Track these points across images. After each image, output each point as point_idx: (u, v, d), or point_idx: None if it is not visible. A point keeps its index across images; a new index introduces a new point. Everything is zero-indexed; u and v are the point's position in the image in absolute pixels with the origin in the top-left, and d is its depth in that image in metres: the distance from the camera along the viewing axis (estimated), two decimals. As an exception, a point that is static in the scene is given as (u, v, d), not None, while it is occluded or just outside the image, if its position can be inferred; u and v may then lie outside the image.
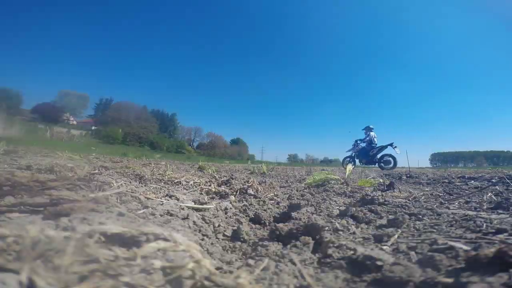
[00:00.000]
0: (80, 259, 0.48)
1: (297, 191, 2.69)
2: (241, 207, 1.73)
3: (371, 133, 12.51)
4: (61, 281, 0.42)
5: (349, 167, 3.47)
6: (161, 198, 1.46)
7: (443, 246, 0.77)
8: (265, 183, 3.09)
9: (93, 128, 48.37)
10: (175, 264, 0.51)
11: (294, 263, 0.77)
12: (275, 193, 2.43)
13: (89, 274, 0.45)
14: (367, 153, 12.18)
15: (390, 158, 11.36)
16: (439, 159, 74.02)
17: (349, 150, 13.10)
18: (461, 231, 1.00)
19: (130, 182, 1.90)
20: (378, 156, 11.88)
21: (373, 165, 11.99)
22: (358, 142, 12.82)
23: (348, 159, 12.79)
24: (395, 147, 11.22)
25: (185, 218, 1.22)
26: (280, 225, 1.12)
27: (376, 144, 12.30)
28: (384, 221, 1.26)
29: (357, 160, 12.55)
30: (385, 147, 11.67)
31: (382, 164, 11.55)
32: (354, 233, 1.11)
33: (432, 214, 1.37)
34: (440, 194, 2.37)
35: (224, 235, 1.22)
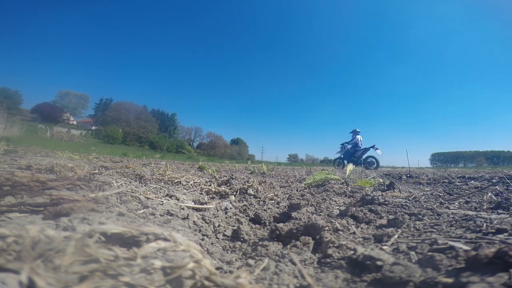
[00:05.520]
0: (80, 259, 0.48)
1: (297, 191, 2.69)
2: (241, 207, 1.73)
3: (357, 136, 13.37)
4: (61, 281, 0.42)
5: (350, 167, 3.47)
6: (161, 198, 1.46)
7: (443, 246, 0.77)
8: (265, 183, 3.09)
9: (93, 128, 48.34)
10: (175, 264, 0.51)
11: (294, 263, 0.77)
12: (275, 193, 2.43)
13: (89, 274, 0.45)
14: (352, 155, 12.99)
15: (373, 159, 12.13)
16: (439, 159, 73.96)
17: (338, 152, 14.07)
18: (461, 231, 1.00)
19: (130, 182, 1.90)
20: (363, 157, 12.62)
21: (359, 166, 12.51)
22: (345, 144, 13.75)
23: (338, 160, 13.89)
24: (377, 149, 12.01)
25: (185, 218, 1.22)
26: (280, 225, 1.12)
27: (361, 146, 13.08)
28: (384, 221, 1.26)
29: (345, 161, 13.45)
30: (368, 149, 12.44)
31: (366, 165, 12.22)
32: (354, 233, 1.11)
33: (432, 214, 1.37)
34: (440, 194, 2.37)
35: (224, 235, 1.22)
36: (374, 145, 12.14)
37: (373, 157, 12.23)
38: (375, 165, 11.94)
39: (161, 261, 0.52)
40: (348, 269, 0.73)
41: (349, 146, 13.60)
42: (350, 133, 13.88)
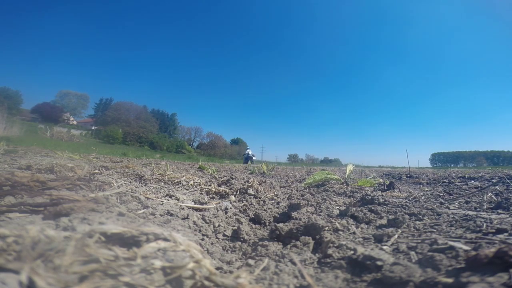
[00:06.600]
0: (80, 259, 0.48)
1: (297, 191, 2.69)
2: (241, 207, 1.73)
3: (248, 150, 26.34)
4: (61, 281, 0.42)
5: (350, 167, 3.47)
6: (161, 198, 1.46)
7: (443, 246, 0.77)
8: (265, 183, 3.09)
9: (93, 128, 48.31)
10: (175, 264, 0.51)
11: (294, 263, 0.77)
12: (275, 193, 2.43)
13: (89, 274, 0.45)
14: (247, 158, 24.92)
15: (253, 160, 25.29)
16: (439, 159, 74.01)
17: (245, 156, 27.45)
18: (461, 231, 1.00)
19: (130, 182, 1.90)
20: (251, 159, 25.01)
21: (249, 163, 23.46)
22: (245, 153, 26.82)
23: (244, 160, 25.79)
24: (254, 156, 26.82)
25: (185, 218, 1.22)
26: (280, 225, 1.12)
27: (249, 154, 25.70)
28: (384, 221, 1.26)
29: (247, 161, 24.53)
30: (251, 156, 25.45)
31: (250, 162, 23.41)
32: (354, 233, 1.11)
33: (432, 214, 1.37)
34: (440, 194, 2.37)
35: (224, 235, 1.22)
36: (254, 155, 26.83)
37: (252, 159, 25.03)
38: (253, 163, 22.71)
39: (161, 261, 0.52)
40: (348, 269, 0.73)
41: (246, 154, 26.20)
42: (246, 149, 27.49)
